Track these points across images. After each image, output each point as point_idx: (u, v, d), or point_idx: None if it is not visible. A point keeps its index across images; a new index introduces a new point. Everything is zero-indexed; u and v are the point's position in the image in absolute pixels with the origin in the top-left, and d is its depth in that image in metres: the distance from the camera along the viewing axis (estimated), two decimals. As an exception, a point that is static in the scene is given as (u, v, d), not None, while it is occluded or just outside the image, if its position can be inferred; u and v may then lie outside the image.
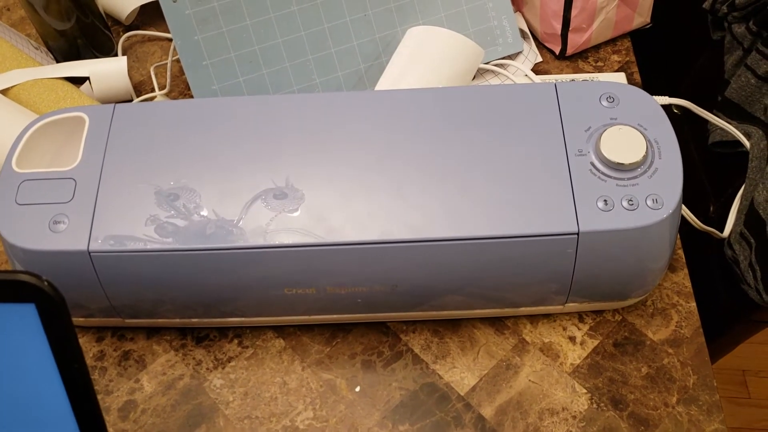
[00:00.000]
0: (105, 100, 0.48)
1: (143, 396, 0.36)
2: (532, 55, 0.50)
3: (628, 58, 0.50)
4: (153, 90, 0.49)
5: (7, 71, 0.46)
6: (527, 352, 0.37)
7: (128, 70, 0.50)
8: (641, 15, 0.50)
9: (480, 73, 0.48)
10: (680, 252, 0.40)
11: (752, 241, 0.41)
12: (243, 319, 0.37)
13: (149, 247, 0.32)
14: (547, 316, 0.38)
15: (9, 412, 0.24)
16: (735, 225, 0.42)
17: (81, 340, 0.38)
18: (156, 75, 0.50)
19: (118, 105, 0.36)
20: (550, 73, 0.49)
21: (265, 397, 0.36)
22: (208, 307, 0.35)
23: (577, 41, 0.48)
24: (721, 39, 0.47)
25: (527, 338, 0.37)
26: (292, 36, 0.45)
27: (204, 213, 0.33)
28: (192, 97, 0.45)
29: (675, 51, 0.56)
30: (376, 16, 0.46)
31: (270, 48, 0.45)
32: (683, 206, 0.40)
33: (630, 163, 0.32)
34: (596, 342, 0.37)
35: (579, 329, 0.38)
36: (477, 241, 0.32)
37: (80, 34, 0.49)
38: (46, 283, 0.22)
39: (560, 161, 0.33)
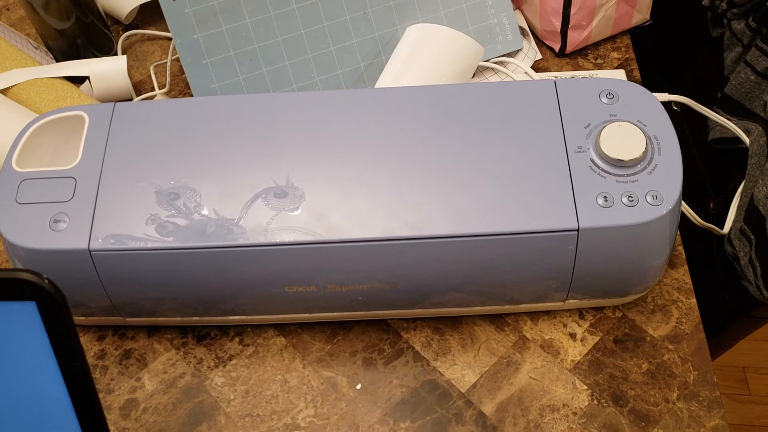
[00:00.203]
0: (105, 100, 0.48)
1: (144, 394, 0.36)
2: (531, 52, 0.50)
3: (627, 55, 0.50)
4: (153, 89, 0.49)
5: (7, 71, 0.46)
6: (528, 349, 0.37)
7: (128, 70, 0.50)
8: (641, 12, 0.50)
9: (480, 70, 0.48)
10: (680, 248, 0.40)
11: (752, 237, 0.41)
12: (244, 317, 0.37)
13: (150, 245, 0.32)
14: (547, 313, 0.38)
15: (10, 411, 0.24)
16: (735, 221, 0.42)
17: (82, 339, 0.38)
18: (156, 74, 0.50)
19: (117, 104, 0.36)
20: (550, 71, 0.49)
21: (266, 395, 0.36)
22: (208, 305, 0.36)
23: (576, 38, 0.48)
24: (720, 36, 0.47)
25: (528, 335, 0.37)
26: (291, 34, 0.45)
27: (204, 212, 0.33)
28: (192, 95, 0.45)
29: (674, 48, 0.56)
30: (376, 14, 0.46)
31: (270, 46, 0.45)
32: (683, 203, 0.40)
33: (630, 160, 0.32)
34: (597, 338, 0.37)
35: (579, 326, 0.38)
36: (477, 238, 0.32)
37: (80, 33, 0.49)
38: (46, 281, 0.22)
39: (560, 158, 0.33)
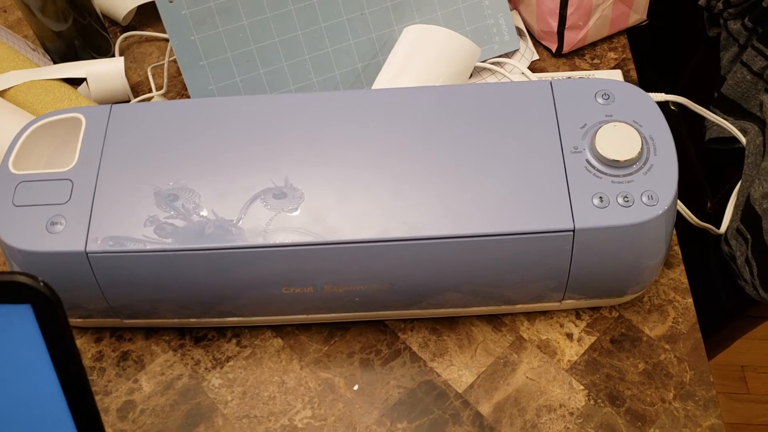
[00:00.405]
0: (102, 101, 0.48)
1: (142, 396, 0.36)
2: (528, 53, 0.50)
3: (624, 56, 0.50)
4: (150, 90, 0.49)
5: (5, 73, 0.46)
6: (524, 349, 0.37)
7: (125, 71, 0.50)
8: (637, 12, 0.50)
9: (477, 71, 0.48)
10: (677, 248, 0.40)
11: (749, 236, 0.41)
12: (241, 318, 0.37)
13: (147, 247, 0.32)
14: (544, 313, 0.38)
15: (6, 413, 0.24)
16: (731, 221, 0.43)
17: (79, 341, 0.38)
18: (153, 75, 0.50)
19: (114, 106, 0.36)
20: (547, 71, 0.49)
21: (263, 396, 0.36)
22: (206, 307, 0.36)
23: (573, 39, 0.48)
24: (717, 36, 0.47)
25: (524, 335, 0.37)
26: (288, 35, 0.45)
27: (203, 213, 0.33)
28: (189, 97, 0.45)
29: (671, 48, 0.57)
30: (373, 15, 0.46)
31: (267, 47, 0.45)
32: (680, 203, 0.40)
33: (625, 160, 0.32)
34: (593, 338, 0.37)
35: (576, 326, 0.38)
36: (473, 238, 0.32)
37: (77, 35, 0.49)
38: (42, 283, 0.22)
39: (556, 158, 0.33)
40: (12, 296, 0.22)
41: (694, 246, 0.43)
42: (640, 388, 0.35)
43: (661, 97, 0.43)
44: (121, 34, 0.52)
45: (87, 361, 0.38)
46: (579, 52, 0.50)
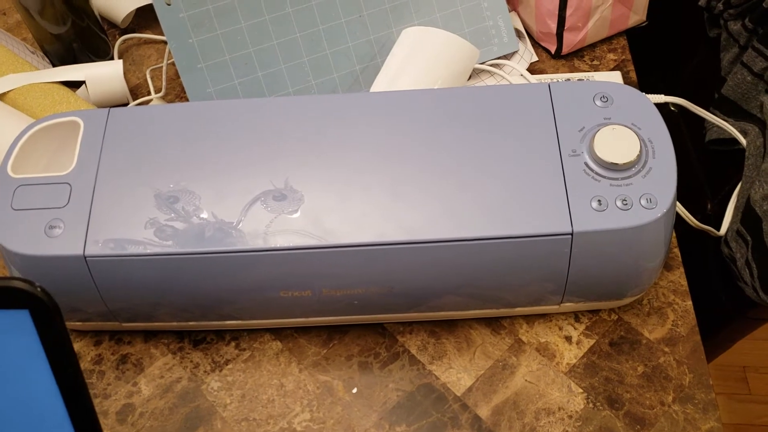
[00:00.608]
0: (101, 104, 0.48)
1: (141, 399, 0.36)
2: (527, 54, 0.50)
3: (624, 57, 0.50)
4: (149, 93, 0.49)
5: (3, 76, 0.46)
6: (523, 352, 0.37)
7: (124, 74, 0.50)
8: (637, 13, 0.50)
9: (476, 73, 0.48)
10: (676, 250, 0.40)
11: (749, 238, 0.41)
12: (240, 321, 0.37)
13: (145, 251, 0.32)
14: (543, 316, 0.38)
15: (5, 418, 0.25)
16: (732, 223, 0.42)
17: (78, 344, 0.39)
18: (152, 78, 0.50)
19: (112, 109, 0.36)
20: (546, 73, 0.49)
21: (262, 399, 0.36)
22: (204, 310, 0.36)
23: (572, 40, 0.48)
24: (717, 36, 0.47)
25: (523, 338, 0.37)
26: (287, 38, 0.45)
27: (203, 215, 0.33)
28: (187, 100, 0.45)
29: (671, 49, 0.56)
30: (371, 17, 0.46)
31: (265, 50, 0.45)
32: (679, 204, 0.40)
33: (624, 163, 0.32)
34: (592, 341, 0.37)
35: (575, 329, 0.38)
36: (472, 242, 0.32)
37: (76, 37, 0.49)
38: (39, 289, 0.22)
39: (554, 161, 0.33)
40: (9, 302, 0.22)
41: (694, 248, 0.43)
42: (639, 391, 0.35)
43: (661, 98, 0.43)
44: (120, 36, 0.52)
45: (86, 365, 0.38)
46: (578, 53, 0.50)
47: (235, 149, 0.34)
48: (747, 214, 0.40)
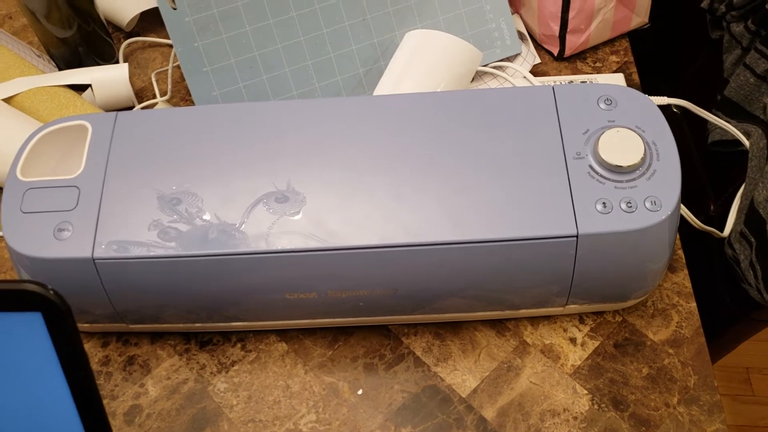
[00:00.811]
0: (107, 107, 0.48)
1: (148, 400, 0.37)
2: (530, 56, 0.50)
3: (626, 59, 0.50)
4: (154, 96, 0.50)
5: (10, 79, 0.47)
6: (528, 354, 0.37)
7: (129, 77, 0.50)
8: (639, 15, 0.50)
9: (478, 75, 0.48)
10: (680, 252, 0.40)
11: (752, 240, 0.41)
12: (246, 323, 0.37)
13: (152, 253, 0.32)
14: (547, 318, 0.38)
15: (17, 419, 0.25)
16: (735, 224, 0.42)
17: (86, 346, 0.39)
18: (157, 81, 0.50)
19: (120, 113, 0.37)
20: (549, 75, 0.49)
21: (268, 401, 0.36)
22: (211, 312, 0.36)
23: (575, 42, 0.49)
24: (719, 38, 0.47)
25: (528, 340, 0.38)
26: (291, 41, 0.45)
27: (207, 217, 0.33)
28: (193, 103, 0.46)
29: (674, 51, 0.56)
30: (375, 21, 0.46)
31: (269, 53, 0.45)
32: (683, 206, 0.40)
33: (628, 166, 0.33)
34: (597, 343, 0.37)
35: (580, 330, 0.38)
36: (477, 244, 0.32)
37: (81, 41, 0.49)
38: (51, 292, 0.22)
39: (559, 164, 0.33)
40: (22, 304, 0.22)
41: (698, 250, 0.43)
42: (643, 392, 0.35)
43: (664, 100, 0.43)
44: (125, 40, 0.53)
45: (94, 366, 0.38)
46: (581, 55, 0.50)
47: (239, 152, 0.35)
48: (750, 216, 0.41)
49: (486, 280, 0.34)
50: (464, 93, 0.36)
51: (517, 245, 0.32)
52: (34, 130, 0.37)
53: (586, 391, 0.36)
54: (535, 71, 0.49)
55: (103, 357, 0.38)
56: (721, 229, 0.43)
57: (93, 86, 0.47)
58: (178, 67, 0.50)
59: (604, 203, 0.32)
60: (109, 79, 0.47)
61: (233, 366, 0.38)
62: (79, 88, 0.48)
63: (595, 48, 0.50)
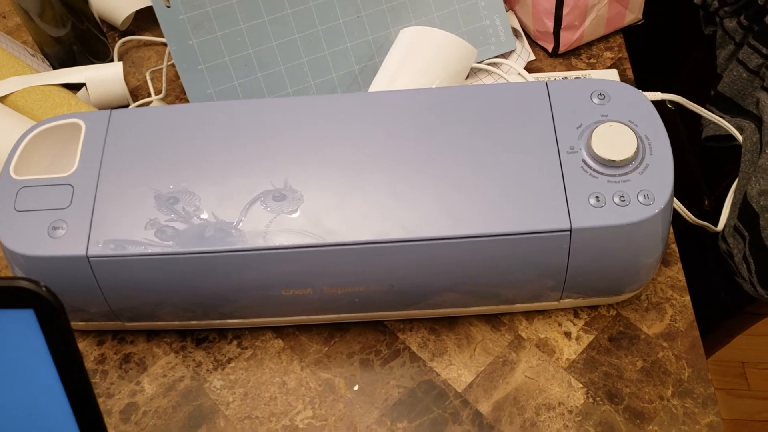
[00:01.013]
0: (102, 106, 0.48)
1: (144, 398, 0.37)
2: (525, 53, 0.50)
3: (620, 55, 0.50)
4: (149, 95, 0.50)
5: (4, 79, 0.46)
6: (523, 348, 0.37)
7: (124, 76, 0.50)
8: (633, 11, 0.50)
9: (473, 72, 0.49)
10: (674, 246, 0.40)
11: (746, 234, 0.41)
12: (242, 320, 0.37)
13: (147, 251, 0.32)
14: (542, 312, 0.38)
15: (10, 418, 0.25)
16: (729, 218, 0.43)
17: (82, 344, 0.39)
18: (152, 80, 0.50)
19: (114, 111, 0.37)
20: (543, 71, 0.49)
21: (264, 397, 0.36)
22: (206, 309, 0.36)
23: (569, 39, 0.49)
24: (712, 34, 0.47)
25: (523, 334, 0.38)
26: (285, 39, 0.45)
27: (204, 216, 0.33)
28: (188, 101, 0.46)
29: (667, 46, 0.57)
30: (369, 18, 0.46)
31: (264, 51, 0.45)
32: (677, 201, 0.41)
33: (621, 160, 0.33)
34: (591, 337, 0.37)
35: (574, 325, 0.38)
36: (471, 239, 0.32)
37: (76, 40, 0.49)
38: (44, 288, 0.22)
39: (552, 159, 0.33)
40: (15, 301, 0.22)
41: (692, 244, 0.43)
42: (638, 385, 0.36)
43: (658, 95, 0.43)
44: (120, 38, 0.53)
45: (89, 364, 0.38)
46: (575, 51, 0.50)
47: (235, 150, 0.35)
48: (744, 210, 0.41)
49: (480, 275, 0.34)
50: (458, 89, 0.36)
51: (510, 240, 0.32)
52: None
53: (581, 385, 0.36)
54: (530, 68, 0.49)
55: (98, 355, 0.38)
56: (715, 224, 0.43)
57: (87, 85, 0.47)
58: (173, 65, 0.50)
59: (597, 197, 0.32)
60: (104, 77, 0.47)
61: (229, 363, 0.38)
62: (74, 87, 0.48)
63: (589, 44, 0.50)
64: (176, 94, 0.50)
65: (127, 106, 0.49)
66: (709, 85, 0.47)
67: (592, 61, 0.50)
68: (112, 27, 0.54)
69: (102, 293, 0.34)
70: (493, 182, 0.33)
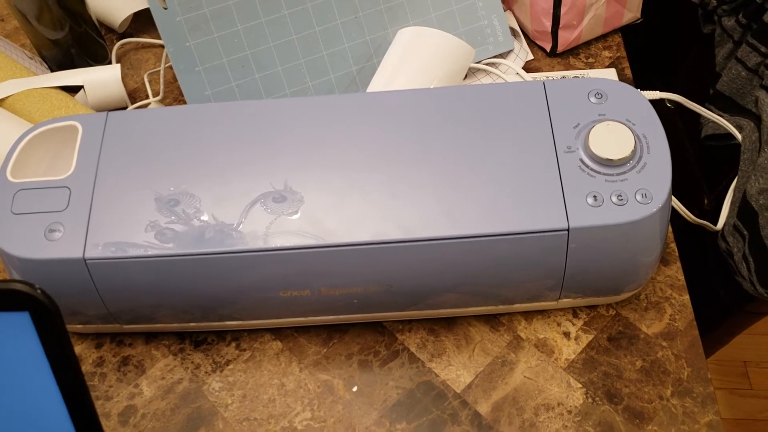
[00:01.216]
0: (100, 108, 0.48)
1: (143, 401, 0.37)
2: (523, 53, 0.50)
3: (619, 54, 0.50)
4: (147, 97, 0.50)
5: (2, 81, 0.47)
6: (522, 349, 0.37)
7: (122, 78, 0.50)
8: (631, 10, 0.50)
9: (471, 72, 0.49)
10: (673, 245, 0.40)
11: (745, 233, 0.41)
12: (240, 322, 0.37)
13: (145, 253, 0.32)
14: (541, 313, 0.38)
15: (6, 420, 0.25)
16: (728, 217, 0.43)
17: (80, 347, 0.39)
18: (150, 82, 0.50)
19: (110, 113, 0.37)
20: (542, 71, 0.49)
21: (263, 399, 0.36)
22: (204, 311, 0.36)
23: (567, 38, 0.49)
24: (711, 32, 0.47)
25: (522, 335, 0.38)
26: (283, 40, 0.45)
27: (204, 218, 0.33)
28: (185, 103, 0.46)
29: (666, 45, 0.57)
30: (367, 18, 0.46)
31: (262, 52, 0.45)
32: (676, 200, 0.40)
33: (619, 159, 0.33)
34: (590, 337, 0.37)
35: (573, 324, 0.38)
36: (469, 239, 0.32)
37: (73, 43, 0.49)
38: (39, 291, 0.22)
39: (550, 158, 0.33)
40: (10, 304, 0.22)
41: (691, 243, 0.43)
42: (637, 385, 0.35)
43: (657, 94, 0.43)
44: (118, 41, 0.53)
45: (88, 367, 0.38)
46: (573, 51, 0.50)
47: (234, 151, 0.35)
48: (743, 209, 0.41)
49: (479, 275, 0.34)
50: (456, 89, 0.36)
51: (509, 239, 0.32)
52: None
53: (580, 385, 0.36)
54: (528, 67, 0.49)
55: (97, 358, 0.38)
56: (715, 223, 0.43)
57: (85, 87, 0.47)
58: (171, 67, 0.50)
59: (595, 196, 0.32)
60: (102, 80, 0.47)
61: (228, 365, 0.38)
62: (72, 90, 0.48)
63: (587, 44, 0.50)
64: (174, 96, 0.50)
65: (125, 108, 0.49)
66: (708, 83, 0.47)
67: (590, 60, 0.50)
68: (109, 29, 0.54)
69: (100, 296, 0.34)
70: (490, 182, 0.33)
